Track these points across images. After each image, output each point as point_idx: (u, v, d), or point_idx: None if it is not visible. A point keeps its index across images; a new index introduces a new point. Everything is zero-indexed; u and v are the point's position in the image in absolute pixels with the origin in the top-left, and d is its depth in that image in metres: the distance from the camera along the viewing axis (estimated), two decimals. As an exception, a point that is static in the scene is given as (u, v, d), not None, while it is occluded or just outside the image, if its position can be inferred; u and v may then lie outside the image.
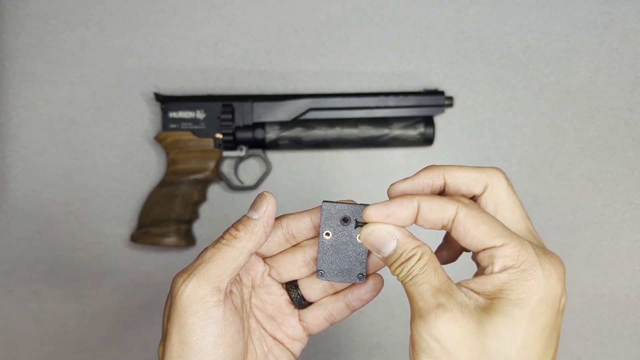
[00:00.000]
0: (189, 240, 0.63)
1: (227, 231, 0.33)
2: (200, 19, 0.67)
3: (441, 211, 0.31)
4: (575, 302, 0.66)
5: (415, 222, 0.32)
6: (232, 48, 0.67)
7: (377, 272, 0.36)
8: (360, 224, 0.35)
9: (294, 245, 0.37)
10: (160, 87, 0.67)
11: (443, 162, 0.67)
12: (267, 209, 0.33)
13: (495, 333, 0.28)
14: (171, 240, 0.62)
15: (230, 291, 0.34)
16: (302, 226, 0.36)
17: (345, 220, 0.35)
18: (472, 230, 0.30)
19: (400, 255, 0.32)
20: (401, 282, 0.32)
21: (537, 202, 0.67)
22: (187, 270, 0.32)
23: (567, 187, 0.68)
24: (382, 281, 0.36)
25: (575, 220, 0.68)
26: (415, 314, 0.30)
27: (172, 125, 0.63)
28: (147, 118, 0.67)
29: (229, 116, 0.62)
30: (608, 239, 0.68)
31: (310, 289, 0.37)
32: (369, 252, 0.35)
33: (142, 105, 0.67)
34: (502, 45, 0.68)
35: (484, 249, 0.30)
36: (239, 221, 0.34)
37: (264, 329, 0.37)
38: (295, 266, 0.36)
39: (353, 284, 0.36)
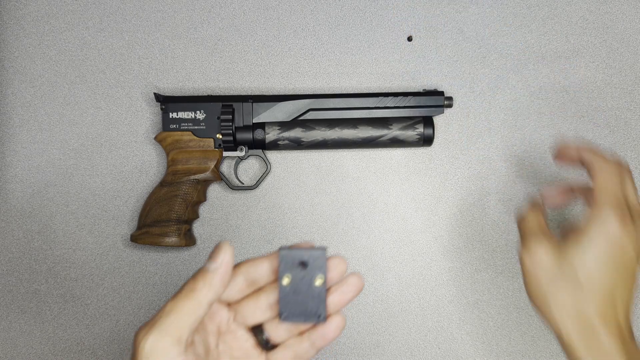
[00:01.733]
0: (189, 240, 0.63)
1: (186, 283, 0.34)
2: (200, 19, 0.67)
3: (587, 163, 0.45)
4: (575, 302, 0.66)
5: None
6: (232, 48, 0.67)
7: (339, 312, 0.38)
8: (318, 271, 0.36)
9: (257, 290, 0.38)
10: (160, 87, 0.67)
11: (442, 163, 0.67)
12: (224, 260, 0.34)
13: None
14: (171, 240, 0.62)
15: (192, 342, 0.34)
16: (262, 272, 0.37)
17: (303, 264, 0.36)
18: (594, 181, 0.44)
19: None
20: None
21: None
22: (148, 324, 0.33)
23: (567, 187, 0.68)
24: (344, 320, 0.38)
25: (575, 220, 0.68)
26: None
27: (172, 126, 0.63)
28: (147, 118, 0.67)
29: (229, 116, 0.62)
30: (608, 239, 0.68)
31: (276, 331, 0.38)
32: (328, 293, 0.37)
33: (142, 105, 0.67)
34: (502, 45, 0.68)
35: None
36: (197, 273, 0.35)
37: None
38: (260, 310, 0.37)
39: (316, 324, 0.37)
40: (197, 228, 0.66)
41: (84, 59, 0.67)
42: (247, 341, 0.38)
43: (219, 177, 0.64)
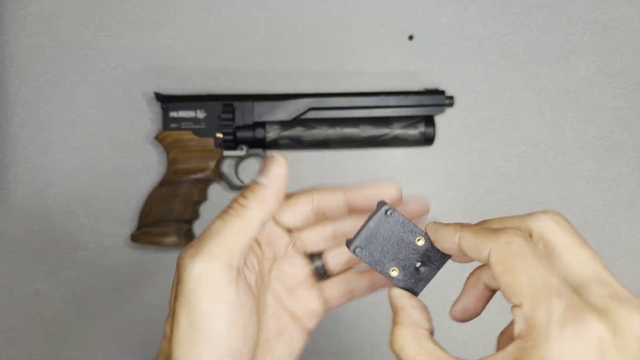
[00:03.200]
0: (189, 240, 0.63)
1: (235, 200, 0.30)
2: (200, 19, 0.67)
3: (476, 251, 0.27)
4: (576, 301, 0.66)
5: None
6: (232, 48, 0.67)
7: None
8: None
9: (325, 219, 0.34)
10: (161, 86, 0.67)
11: (443, 163, 0.67)
12: (279, 174, 0.31)
13: None
14: (171, 240, 0.62)
15: (245, 267, 0.31)
16: (334, 203, 0.33)
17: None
18: (499, 278, 0.25)
19: None
20: None
21: (537, 202, 0.67)
22: (194, 245, 0.29)
23: (567, 187, 0.68)
24: None
25: (575, 220, 0.67)
26: None
27: (173, 125, 0.63)
28: (148, 118, 0.67)
29: (230, 116, 0.62)
30: (608, 239, 0.68)
31: (335, 260, 0.35)
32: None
33: (143, 105, 0.67)
34: (502, 45, 0.68)
35: (512, 306, 0.25)
36: (247, 188, 0.31)
37: (281, 303, 0.34)
38: (323, 239, 0.34)
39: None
40: (198, 228, 0.66)
41: (85, 58, 0.67)
42: (303, 269, 0.35)
43: (219, 176, 0.64)
